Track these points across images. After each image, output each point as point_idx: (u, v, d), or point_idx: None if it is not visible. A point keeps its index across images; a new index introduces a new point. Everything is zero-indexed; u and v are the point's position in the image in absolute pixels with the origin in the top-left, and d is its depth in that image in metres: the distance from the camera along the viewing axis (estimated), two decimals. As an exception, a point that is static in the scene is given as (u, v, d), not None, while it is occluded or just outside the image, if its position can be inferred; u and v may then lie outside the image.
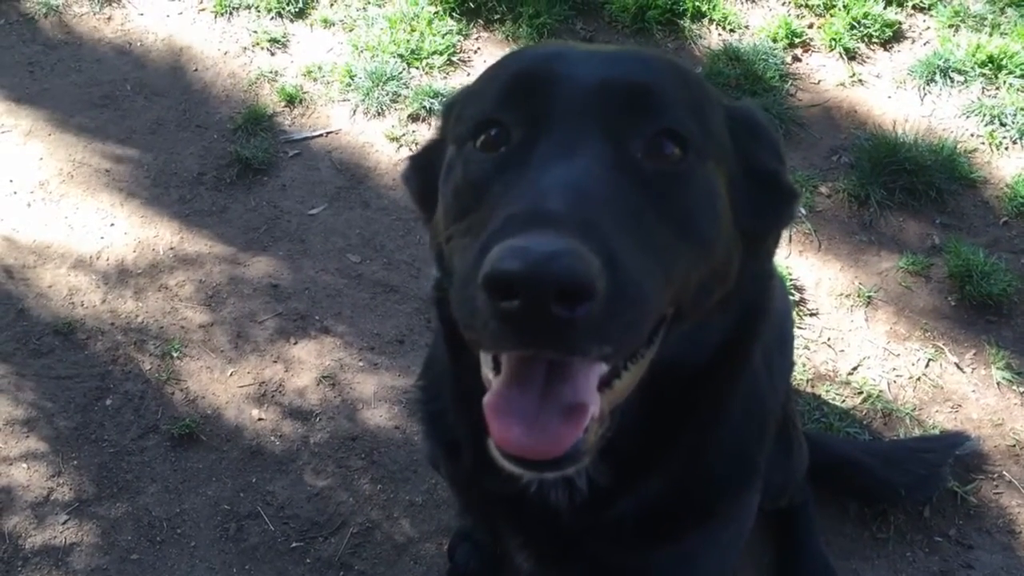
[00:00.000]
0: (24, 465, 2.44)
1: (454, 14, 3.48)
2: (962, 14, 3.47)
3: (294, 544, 2.30)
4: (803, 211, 2.91)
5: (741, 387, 1.26)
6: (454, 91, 1.38)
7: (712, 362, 1.17)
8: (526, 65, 1.05)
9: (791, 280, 2.73)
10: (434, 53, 3.35)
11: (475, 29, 3.47)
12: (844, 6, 3.46)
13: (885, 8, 3.48)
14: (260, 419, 2.51)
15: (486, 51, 3.41)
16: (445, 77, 3.32)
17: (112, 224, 2.95)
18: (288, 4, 3.56)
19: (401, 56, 3.34)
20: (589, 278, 0.78)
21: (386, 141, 3.15)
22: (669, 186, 0.99)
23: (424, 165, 1.24)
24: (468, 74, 3.33)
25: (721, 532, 1.42)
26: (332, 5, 3.58)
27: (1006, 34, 3.40)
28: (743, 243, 1.12)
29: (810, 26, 3.47)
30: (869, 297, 2.72)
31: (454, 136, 1.10)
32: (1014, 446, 2.44)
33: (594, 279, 0.78)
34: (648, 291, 0.89)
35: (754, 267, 1.17)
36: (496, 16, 3.48)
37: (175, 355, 2.63)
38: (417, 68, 3.34)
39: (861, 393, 2.53)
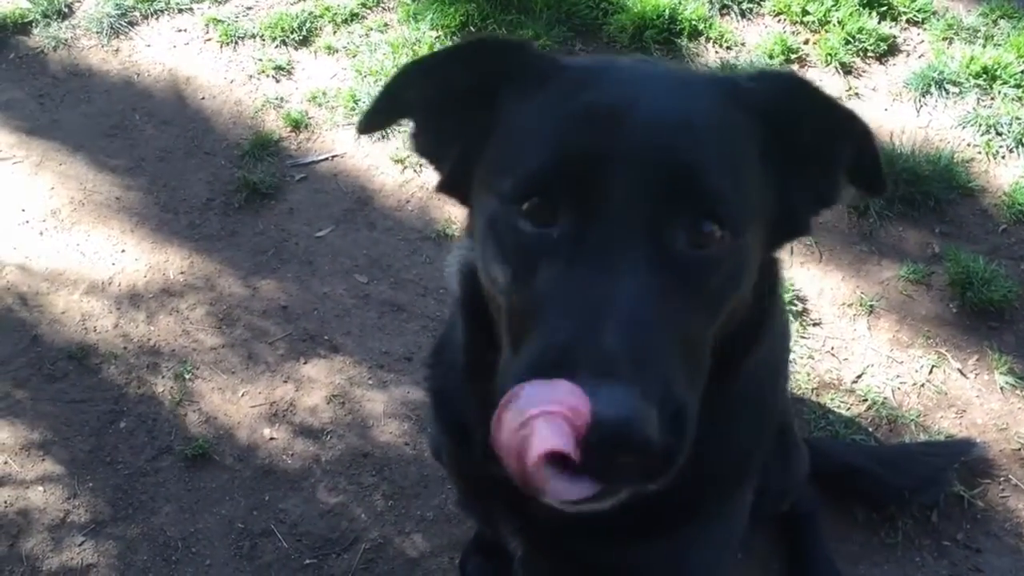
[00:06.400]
0: (40, 488, 2.48)
1: (455, 38, 3.54)
2: (955, 27, 3.52)
3: (307, 561, 2.33)
4: (804, 223, 2.94)
5: (741, 390, 1.27)
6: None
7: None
8: (575, 137, 1.02)
9: (793, 291, 2.76)
10: (436, 76, 3.40)
11: (476, 52, 3.53)
12: (839, 22, 3.51)
13: (879, 23, 3.53)
14: (272, 438, 2.55)
15: (487, 73, 3.46)
16: (448, 100, 3.37)
17: (123, 250, 3.00)
18: (292, 32, 3.62)
19: (404, 80, 3.38)
20: (653, 440, 0.85)
21: (391, 163, 3.20)
22: (706, 269, 1.01)
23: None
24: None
25: (712, 530, 1.45)
26: (335, 32, 3.65)
27: (999, 45, 3.44)
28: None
29: (805, 42, 3.52)
30: (871, 306, 2.76)
31: (496, 188, 1.07)
32: (1019, 450, 2.46)
33: (656, 439, 0.85)
34: (692, 409, 0.95)
35: (763, 281, 1.19)
36: (497, 39, 3.54)
37: (187, 377, 2.67)
38: (420, 91, 3.38)
39: (866, 401, 2.56)
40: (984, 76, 3.32)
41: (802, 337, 2.67)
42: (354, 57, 3.53)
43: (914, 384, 2.60)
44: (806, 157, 1.12)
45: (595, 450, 0.85)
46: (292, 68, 3.55)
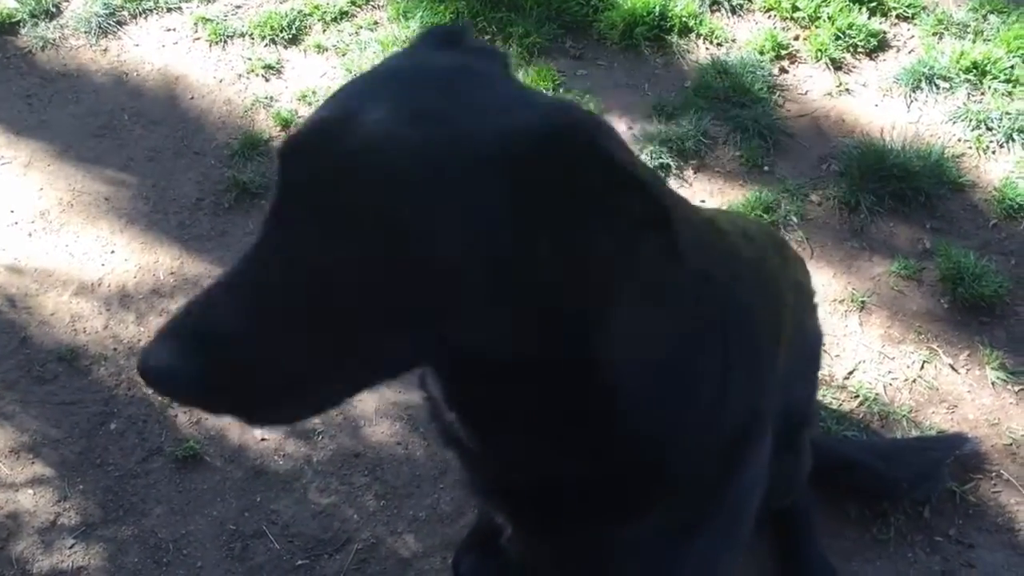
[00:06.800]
0: (30, 491, 2.47)
1: (445, 36, 3.53)
2: (945, 22, 3.53)
3: (299, 562, 2.32)
4: (795, 219, 2.94)
5: (628, 379, 1.20)
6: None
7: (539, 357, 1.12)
8: (288, 148, 1.04)
9: (785, 287, 2.76)
10: (426, 75, 3.39)
11: (466, 50, 3.52)
12: (829, 17, 3.51)
13: (870, 18, 3.53)
14: (263, 439, 2.54)
15: (478, 71, 3.46)
16: (438, 98, 3.36)
17: (112, 251, 2.98)
18: (282, 31, 3.61)
19: (394, 78, 3.38)
20: (171, 386, 0.98)
21: (381, 162, 3.18)
22: None
23: None
24: (461, 94, 3.38)
25: (703, 524, 1.42)
26: (325, 31, 3.63)
27: (989, 40, 3.45)
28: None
29: (796, 38, 3.52)
30: (862, 302, 2.76)
31: None
32: (1011, 445, 2.46)
33: (175, 385, 0.98)
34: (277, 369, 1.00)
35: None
36: (487, 37, 3.53)
37: (178, 378, 2.65)
38: (410, 90, 3.38)
39: (858, 396, 2.56)
40: (974, 71, 3.33)
41: (794, 333, 2.68)
42: (344, 56, 3.52)
43: (906, 380, 2.60)
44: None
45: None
46: (282, 67, 3.54)
